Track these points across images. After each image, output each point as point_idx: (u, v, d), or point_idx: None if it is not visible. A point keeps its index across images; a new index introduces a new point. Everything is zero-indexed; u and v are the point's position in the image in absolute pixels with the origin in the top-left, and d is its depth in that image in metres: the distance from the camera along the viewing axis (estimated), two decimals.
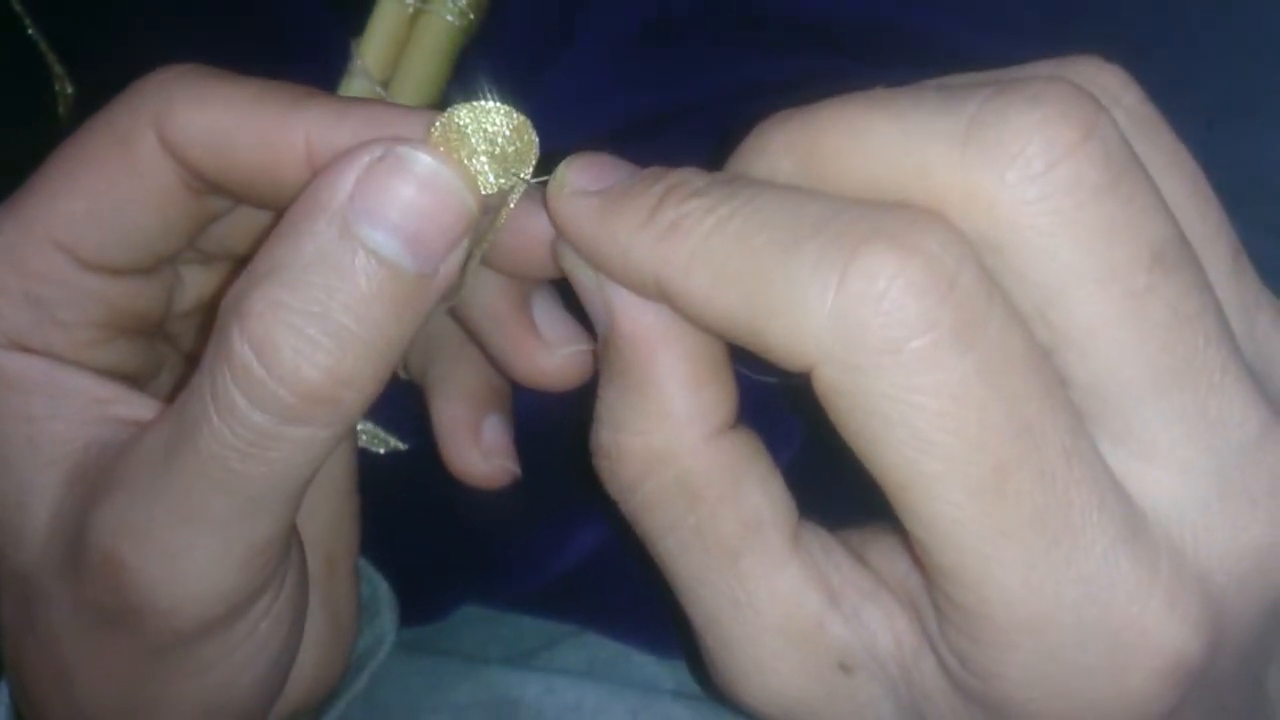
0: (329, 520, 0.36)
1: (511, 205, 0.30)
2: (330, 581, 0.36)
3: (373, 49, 0.44)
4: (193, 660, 0.31)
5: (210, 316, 0.31)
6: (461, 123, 0.29)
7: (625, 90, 0.44)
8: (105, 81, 0.33)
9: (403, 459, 0.44)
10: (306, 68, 0.44)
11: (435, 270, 0.28)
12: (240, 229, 0.35)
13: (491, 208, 0.30)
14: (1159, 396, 0.25)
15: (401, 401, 0.38)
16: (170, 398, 0.31)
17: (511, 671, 0.43)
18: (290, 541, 0.32)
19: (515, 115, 0.29)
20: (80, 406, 0.32)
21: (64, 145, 0.32)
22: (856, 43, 0.42)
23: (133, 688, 0.32)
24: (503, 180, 0.29)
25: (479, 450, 0.38)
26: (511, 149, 0.29)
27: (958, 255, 0.24)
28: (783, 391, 0.29)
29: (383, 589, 0.43)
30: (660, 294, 0.27)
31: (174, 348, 0.37)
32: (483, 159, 0.29)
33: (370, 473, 0.37)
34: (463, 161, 0.29)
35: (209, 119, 0.31)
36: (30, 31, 0.50)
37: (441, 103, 0.44)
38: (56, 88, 0.50)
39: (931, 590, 0.26)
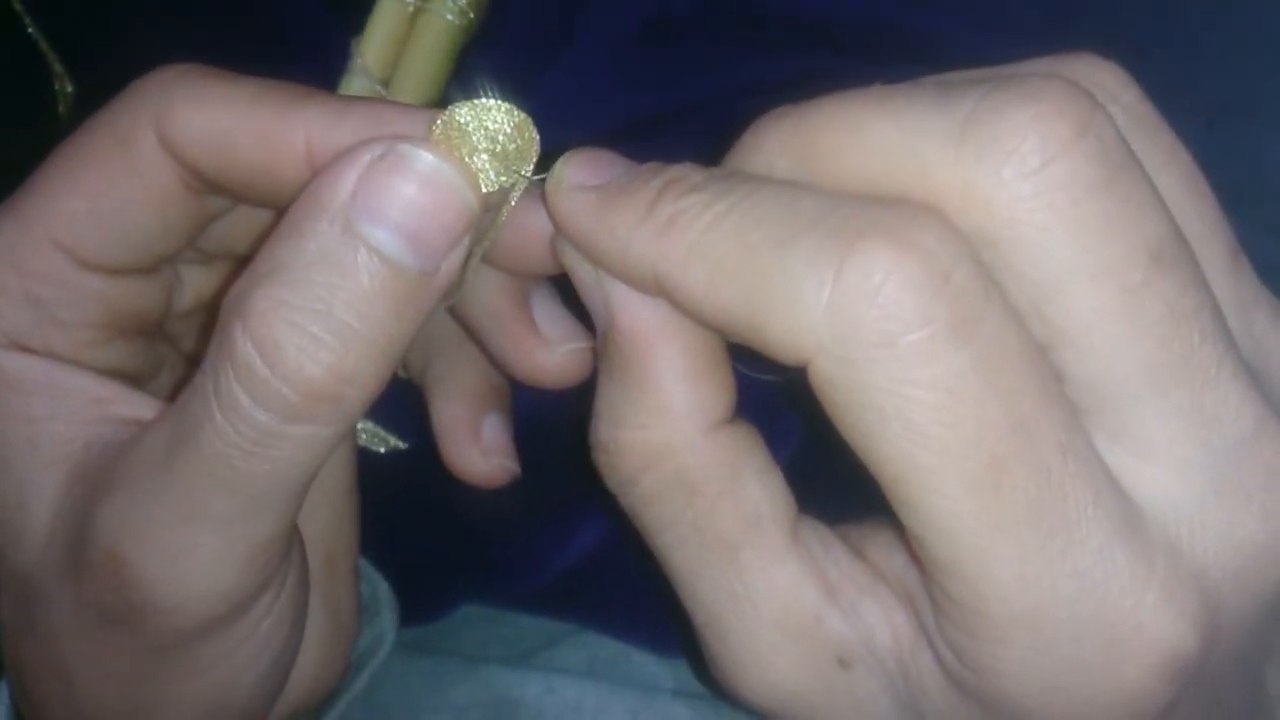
0: (329, 520, 0.36)
1: (512, 203, 0.30)
2: (330, 581, 0.36)
3: (373, 48, 0.44)
4: (194, 660, 0.31)
5: (211, 316, 0.31)
6: (463, 121, 0.29)
7: (625, 90, 0.44)
8: (105, 81, 0.33)
9: (403, 458, 0.44)
10: (306, 67, 0.44)
11: (437, 268, 0.28)
12: (240, 229, 0.35)
13: (493, 205, 0.30)
14: (1155, 393, 0.25)
15: (401, 401, 0.38)
16: (170, 398, 0.31)
17: (511, 671, 0.43)
18: (292, 540, 0.32)
19: (516, 113, 0.29)
20: (80, 406, 0.32)
21: (64, 145, 0.32)
22: (856, 43, 0.42)
23: (133, 687, 0.32)
24: (504, 178, 0.29)
25: (479, 449, 0.38)
26: (513, 146, 0.29)
27: (954, 251, 0.24)
28: (781, 389, 0.29)
29: (383, 589, 0.43)
30: (658, 289, 0.27)
31: (174, 348, 0.37)
32: (484, 157, 0.29)
33: (370, 472, 0.37)
34: (464, 159, 0.29)
35: (209, 119, 0.31)
36: (30, 31, 0.50)
37: (442, 101, 0.44)
38: (56, 87, 0.50)
39: (928, 585, 0.26)
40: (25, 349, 0.32)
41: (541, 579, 0.44)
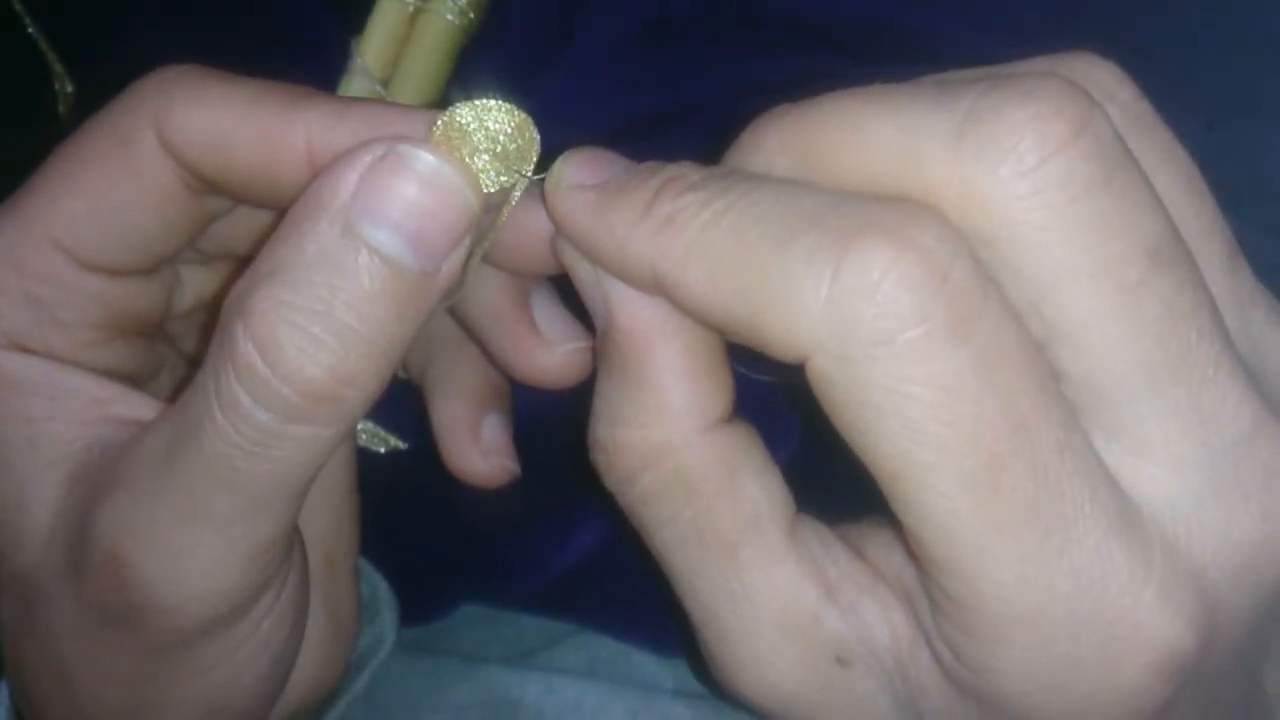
0: (329, 520, 0.36)
1: (513, 203, 0.30)
2: (330, 581, 0.36)
3: (373, 48, 0.44)
4: (195, 660, 0.31)
5: (211, 316, 0.31)
6: (463, 121, 0.29)
7: (625, 90, 0.44)
8: (105, 81, 0.33)
9: (403, 459, 0.44)
10: (306, 68, 0.44)
11: (437, 268, 0.28)
12: (240, 229, 0.35)
13: (493, 206, 0.30)
14: (1152, 391, 0.25)
15: (401, 401, 0.38)
16: (170, 398, 0.31)
17: (511, 671, 0.43)
18: (292, 540, 0.32)
19: (516, 113, 0.29)
20: (80, 407, 0.32)
21: (64, 145, 0.32)
22: (856, 43, 0.42)
23: (134, 688, 0.32)
24: (504, 178, 0.29)
25: (478, 449, 0.38)
26: (513, 147, 0.29)
27: (952, 249, 0.24)
28: (781, 389, 0.29)
29: (383, 589, 0.43)
30: (657, 287, 0.27)
31: (174, 348, 0.37)
32: (484, 157, 0.29)
33: (370, 473, 0.37)
34: (464, 160, 0.29)
35: (209, 119, 0.31)
36: (30, 31, 0.50)
37: (442, 102, 0.44)
38: (56, 87, 0.50)
39: (926, 583, 0.26)
40: (25, 349, 0.32)
41: (541, 579, 0.44)
